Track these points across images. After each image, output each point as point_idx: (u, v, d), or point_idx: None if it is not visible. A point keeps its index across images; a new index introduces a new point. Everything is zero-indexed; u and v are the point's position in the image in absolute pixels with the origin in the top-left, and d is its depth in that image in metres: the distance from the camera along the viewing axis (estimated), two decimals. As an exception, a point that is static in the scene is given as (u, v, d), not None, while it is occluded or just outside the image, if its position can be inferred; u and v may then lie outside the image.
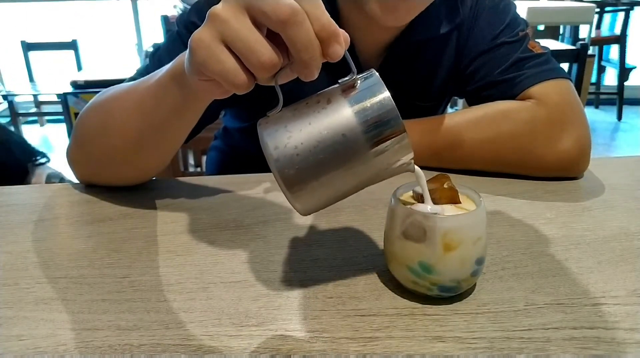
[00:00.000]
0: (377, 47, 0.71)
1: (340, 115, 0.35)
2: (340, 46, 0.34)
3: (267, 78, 0.35)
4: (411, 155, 0.37)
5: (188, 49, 0.36)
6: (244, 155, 0.86)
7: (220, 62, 0.34)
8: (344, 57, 0.35)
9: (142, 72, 0.66)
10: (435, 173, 0.43)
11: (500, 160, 0.65)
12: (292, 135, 0.35)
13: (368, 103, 0.35)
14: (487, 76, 0.69)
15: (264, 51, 0.33)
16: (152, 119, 0.52)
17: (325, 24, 0.33)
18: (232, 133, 0.90)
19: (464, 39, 0.71)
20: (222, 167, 0.93)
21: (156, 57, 0.68)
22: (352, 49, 0.69)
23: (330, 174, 0.36)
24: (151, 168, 0.61)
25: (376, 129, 0.35)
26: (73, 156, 0.62)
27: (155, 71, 0.51)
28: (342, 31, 0.35)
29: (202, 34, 0.35)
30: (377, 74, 0.37)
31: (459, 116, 0.68)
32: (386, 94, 0.36)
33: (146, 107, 0.52)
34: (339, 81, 0.37)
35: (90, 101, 0.60)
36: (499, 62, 0.68)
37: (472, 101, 0.73)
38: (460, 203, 0.41)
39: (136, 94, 0.53)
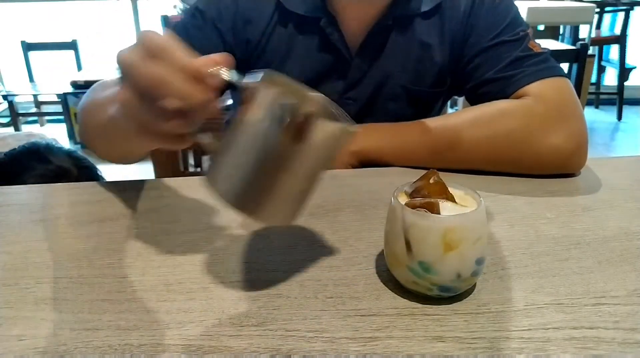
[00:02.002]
0: (362, 24, 0.72)
1: (248, 132, 0.36)
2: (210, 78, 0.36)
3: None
4: (333, 125, 0.37)
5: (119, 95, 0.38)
6: None
7: (150, 71, 0.36)
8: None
9: None
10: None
11: (499, 158, 0.65)
12: (224, 176, 0.37)
13: (261, 104, 0.36)
14: (486, 73, 0.69)
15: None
16: (114, 140, 0.55)
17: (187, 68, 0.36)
18: None
19: (460, 27, 0.72)
20: None
21: None
22: (336, 26, 0.71)
23: (275, 183, 0.36)
24: (133, 159, 0.64)
25: (280, 121, 0.35)
26: (80, 135, 0.68)
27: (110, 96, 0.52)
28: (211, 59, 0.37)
29: (124, 52, 0.38)
30: (262, 74, 0.37)
31: (457, 116, 0.68)
32: (270, 90, 0.36)
33: (107, 132, 0.54)
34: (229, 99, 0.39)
35: (86, 96, 0.64)
36: (497, 60, 0.69)
37: (471, 99, 0.74)
38: (450, 195, 0.41)
39: (100, 120, 0.55)
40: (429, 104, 0.80)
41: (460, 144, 0.65)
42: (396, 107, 0.76)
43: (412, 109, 0.77)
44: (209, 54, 0.72)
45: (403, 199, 0.41)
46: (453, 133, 0.66)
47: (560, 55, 2.20)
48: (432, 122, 0.68)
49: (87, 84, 2.66)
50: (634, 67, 3.68)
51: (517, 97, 0.66)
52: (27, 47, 3.20)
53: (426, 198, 0.40)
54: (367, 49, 0.73)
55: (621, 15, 3.46)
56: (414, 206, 0.39)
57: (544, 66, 0.68)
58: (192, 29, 0.72)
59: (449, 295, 0.40)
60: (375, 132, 0.70)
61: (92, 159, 1.20)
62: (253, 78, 0.37)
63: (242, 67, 0.75)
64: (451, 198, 0.41)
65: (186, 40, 0.68)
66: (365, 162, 0.69)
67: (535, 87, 0.66)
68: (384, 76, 0.74)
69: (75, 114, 2.98)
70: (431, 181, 0.41)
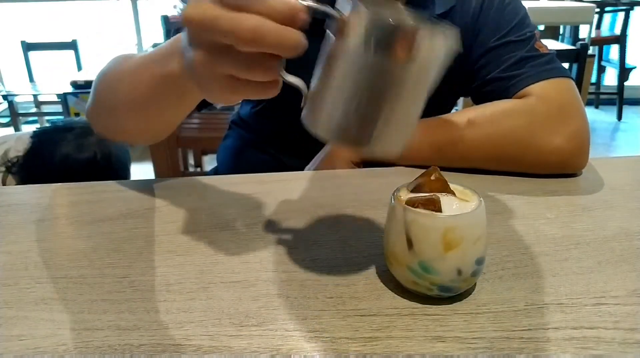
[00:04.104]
0: None
1: (350, 62, 0.34)
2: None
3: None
4: (442, 42, 0.35)
5: (185, 44, 0.36)
6: (260, 138, 0.86)
7: (233, 18, 0.33)
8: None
9: None
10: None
11: (500, 156, 0.65)
12: (330, 111, 0.35)
13: (363, 29, 0.33)
14: (491, 72, 0.70)
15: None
16: (148, 102, 0.53)
17: (278, 10, 0.33)
18: (247, 119, 0.89)
19: (468, 28, 0.72)
20: (238, 154, 0.92)
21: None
22: None
23: (387, 110, 0.35)
24: (156, 134, 0.63)
25: (383, 44, 0.33)
26: (89, 111, 0.65)
27: (152, 58, 0.51)
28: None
29: (193, 8, 0.34)
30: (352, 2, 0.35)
31: (460, 115, 0.69)
32: (367, 10, 0.33)
33: (142, 93, 0.52)
34: (327, 30, 0.36)
35: (107, 66, 0.62)
36: (503, 60, 0.69)
37: (475, 98, 0.74)
38: (452, 192, 0.41)
39: (134, 82, 0.53)
40: (438, 107, 0.80)
41: (463, 142, 0.65)
42: None
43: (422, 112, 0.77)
44: None
45: (404, 197, 0.41)
46: (456, 131, 0.66)
47: (560, 55, 2.19)
48: (435, 120, 0.69)
49: (87, 84, 2.68)
50: (634, 67, 3.68)
51: (521, 97, 0.67)
52: (27, 47, 3.20)
53: (427, 195, 0.40)
54: None
55: (621, 15, 3.47)
56: (415, 203, 0.39)
57: (548, 66, 0.68)
58: None
59: (449, 295, 0.40)
60: None
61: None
62: (342, 7, 0.34)
63: None
64: (452, 195, 0.41)
65: None
66: (369, 161, 0.69)
67: (538, 87, 0.66)
68: None
69: (75, 114, 2.98)
70: (432, 177, 0.41)
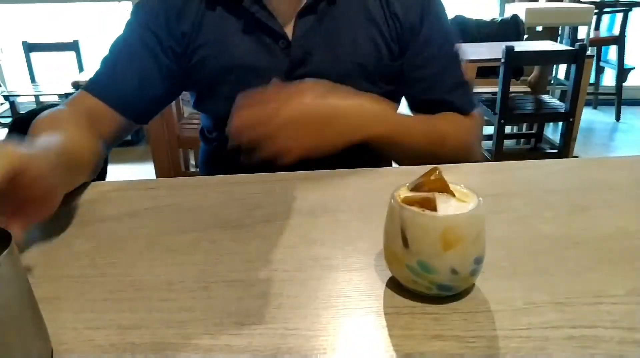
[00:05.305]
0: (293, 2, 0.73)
1: None
2: None
3: None
4: None
5: None
6: (207, 134, 0.87)
7: None
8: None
9: (100, 74, 0.75)
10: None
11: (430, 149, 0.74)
12: None
13: None
14: (432, 91, 0.78)
15: None
16: None
17: None
18: (203, 126, 0.89)
19: (411, 13, 0.75)
20: (208, 158, 0.92)
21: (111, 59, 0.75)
22: (261, 4, 0.72)
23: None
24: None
25: None
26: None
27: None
28: None
29: None
30: None
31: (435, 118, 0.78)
32: None
33: None
34: None
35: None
36: (443, 83, 0.78)
37: (415, 108, 0.82)
38: (451, 192, 0.41)
39: None
40: (388, 80, 0.79)
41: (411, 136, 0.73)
42: (354, 86, 0.73)
43: (373, 86, 0.77)
44: (148, 57, 0.75)
45: (403, 195, 0.41)
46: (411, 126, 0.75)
47: (559, 55, 2.20)
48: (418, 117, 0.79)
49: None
50: (633, 68, 3.68)
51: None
52: (29, 47, 3.20)
53: (424, 194, 0.40)
54: (304, 24, 0.73)
55: (619, 16, 3.46)
56: (411, 202, 0.39)
57: (471, 98, 0.81)
58: (130, 37, 0.74)
59: (448, 294, 0.41)
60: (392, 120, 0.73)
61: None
62: None
63: (183, 60, 0.77)
64: (452, 195, 0.41)
65: (126, 50, 0.76)
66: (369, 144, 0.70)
67: (467, 116, 0.79)
68: (332, 52, 0.74)
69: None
70: (432, 177, 0.41)
